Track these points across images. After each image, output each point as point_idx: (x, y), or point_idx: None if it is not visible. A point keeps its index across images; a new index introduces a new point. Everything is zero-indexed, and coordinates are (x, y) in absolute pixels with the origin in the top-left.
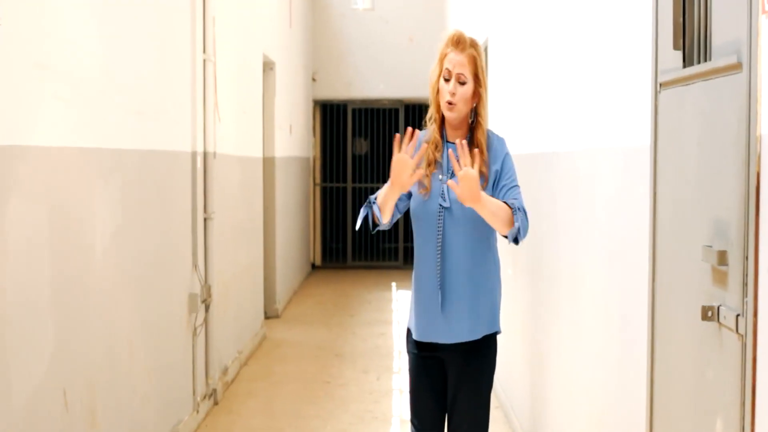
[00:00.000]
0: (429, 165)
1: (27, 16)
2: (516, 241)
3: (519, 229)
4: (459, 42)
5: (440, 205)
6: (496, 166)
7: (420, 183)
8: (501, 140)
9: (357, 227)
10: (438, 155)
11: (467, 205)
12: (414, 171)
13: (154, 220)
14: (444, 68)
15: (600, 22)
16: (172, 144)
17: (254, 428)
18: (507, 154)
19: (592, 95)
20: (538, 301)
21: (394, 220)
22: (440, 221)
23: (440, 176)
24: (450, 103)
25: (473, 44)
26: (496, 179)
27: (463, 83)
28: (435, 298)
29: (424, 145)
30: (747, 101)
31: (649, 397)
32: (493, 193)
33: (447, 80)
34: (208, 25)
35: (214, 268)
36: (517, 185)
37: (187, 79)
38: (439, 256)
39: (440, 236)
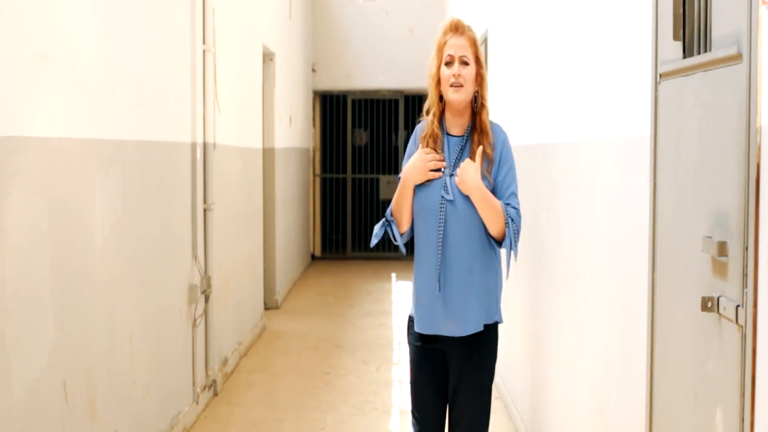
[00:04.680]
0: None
1: (27, 8)
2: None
3: (510, 242)
4: (458, 27)
5: (443, 197)
6: (497, 161)
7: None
8: (503, 132)
9: (372, 244)
10: (438, 148)
11: (464, 191)
12: (427, 172)
13: (154, 211)
14: (445, 54)
15: (600, 12)
16: (172, 135)
17: (254, 419)
18: (511, 157)
19: (593, 86)
20: (538, 292)
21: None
22: (442, 213)
23: (442, 169)
24: (457, 85)
25: (470, 28)
26: (496, 173)
27: (466, 64)
28: (436, 291)
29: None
30: (747, 92)
31: (649, 388)
32: (495, 187)
33: (449, 65)
34: (208, 16)
35: (214, 259)
36: (514, 192)
37: (187, 70)
38: (440, 248)
39: (442, 228)
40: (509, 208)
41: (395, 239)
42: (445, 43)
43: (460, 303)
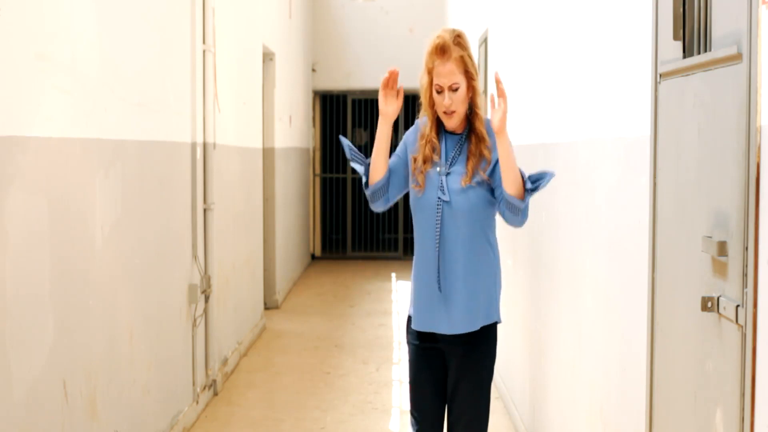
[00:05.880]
0: (425, 162)
1: (27, 7)
2: (519, 213)
3: (535, 185)
4: (444, 51)
5: (439, 197)
6: (494, 161)
7: (414, 179)
8: None
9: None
10: (436, 156)
11: (498, 132)
12: (396, 99)
13: (154, 210)
14: (435, 84)
15: (600, 12)
16: (172, 135)
17: (254, 419)
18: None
19: (593, 86)
20: (538, 291)
21: (388, 204)
22: (439, 214)
23: (438, 168)
24: (449, 113)
25: (458, 42)
26: (492, 174)
27: (456, 90)
28: (434, 290)
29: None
30: (747, 92)
31: (649, 388)
32: (493, 177)
33: (439, 92)
34: (208, 16)
35: (214, 258)
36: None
37: (187, 69)
38: (437, 248)
39: (438, 228)
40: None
41: (365, 185)
42: (432, 67)
43: (458, 302)
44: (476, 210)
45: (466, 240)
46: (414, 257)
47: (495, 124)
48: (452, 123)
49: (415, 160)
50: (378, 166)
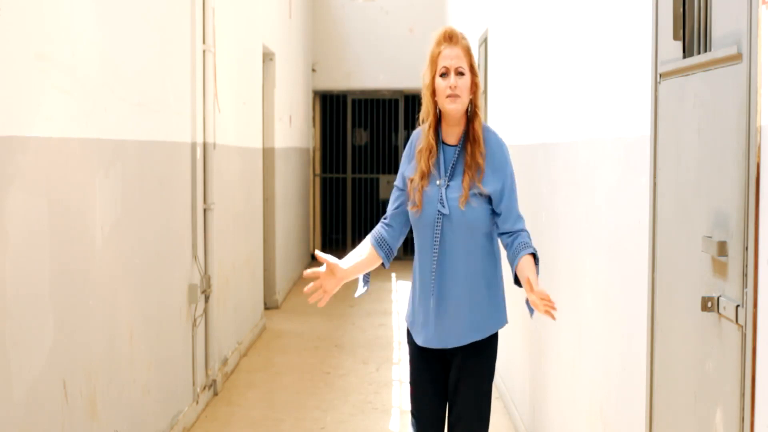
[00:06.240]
0: (423, 177)
1: (27, 7)
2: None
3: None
4: (452, 37)
5: (439, 211)
6: (497, 183)
7: (411, 200)
8: (501, 145)
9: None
10: (432, 163)
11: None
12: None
13: (154, 210)
14: (440, 66)
15: (600, 12)
16: (172, 135)
17: (254, 419)
18: (510, 173)
19: (593, 86)
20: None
21: (400, 243)
22: (438, 228)
23: (438, 181)
24: (454, 96)
25: (463, 37)
26: (498, 195)
27: (462, 74)
28: (430, 307)
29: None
30: (747, 92)
31: (649, 388)
32: (495, 208)
33: (444, 76)
34: (208, 16)
35: (214, 258)
36: (520, 215)
37: (187, 69)
38: (435, 264)
39: (437, 243)
40: (523, 234)
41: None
42: (439, 53)
43: (455, 319)
44: (477, 221)
45: (466, 253)
46: (413, 267)
47: (531, 302)
48: (455, 111)
49: (411, 180)
50: (369, 262)
